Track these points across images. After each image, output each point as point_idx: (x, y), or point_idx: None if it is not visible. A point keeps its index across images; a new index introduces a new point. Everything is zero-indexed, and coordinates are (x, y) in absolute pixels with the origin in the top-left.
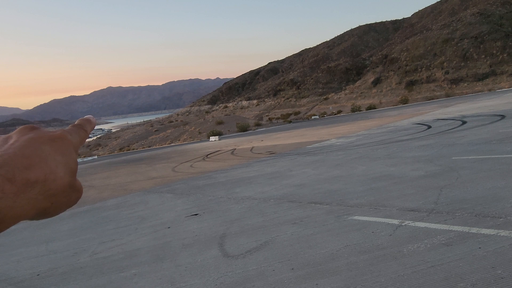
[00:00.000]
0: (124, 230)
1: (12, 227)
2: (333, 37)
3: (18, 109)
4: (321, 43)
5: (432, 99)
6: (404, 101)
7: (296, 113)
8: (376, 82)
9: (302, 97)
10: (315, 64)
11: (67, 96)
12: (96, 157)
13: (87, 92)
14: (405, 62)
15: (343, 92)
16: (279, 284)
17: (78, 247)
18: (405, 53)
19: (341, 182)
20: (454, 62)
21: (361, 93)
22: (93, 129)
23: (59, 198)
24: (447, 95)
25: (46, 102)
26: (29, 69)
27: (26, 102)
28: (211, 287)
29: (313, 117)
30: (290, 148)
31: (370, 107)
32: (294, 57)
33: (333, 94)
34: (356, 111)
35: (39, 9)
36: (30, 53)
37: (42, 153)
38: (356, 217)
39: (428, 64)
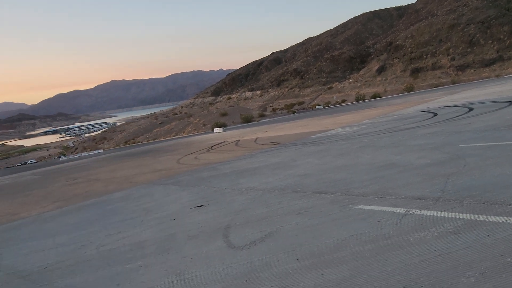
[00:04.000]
0: (130, 222)
1: (19, 221)
2: (337, 25)
3: (23, 104)
4: (324, 32)
5: (438, 86)
6: (409, 89)
7: (300, 103)
8: (381, 70)
9: (306, 87)
10: (318, 53)
11: (71, 90)
12: (101, 150)
13: (91, 86)
14: (410, 49)
15: (347, 81)
16: (284, 275)
17: (84, 240)
18: (410, 40)
19: (346, 172)
20: (460, 48)
21: (366, 81)
22: None
23: None
24: (453, 82)
25: (51, 96)
26: (33, 64)
27: (31, 97)
28: (216, 278)
29: (317, 107)
30: (294, 138)
31: (375, 96)
32: (297, 46)
33: (337, 83)
34: (360, 100)
35: (42, 4)
36: (34, 48)
37: None
38: (361, 207)
39: (434, 50)
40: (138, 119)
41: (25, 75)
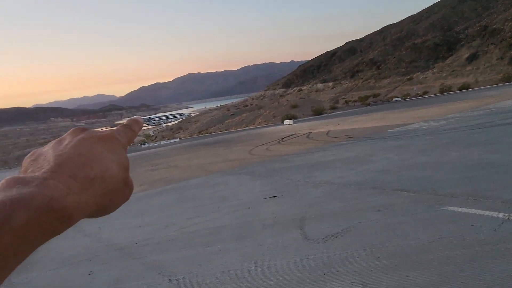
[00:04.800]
0: (207, 208)
1: None
2: (420, 10)
3: (113, 96)
4: (406, 18)
5: None
6: (508, 79)
7: (375, 95)
8: (472, 58)
9: (383, 78)
10: (398, 42)
11: (153, 83)
12: (178, 139)
13: (170, 79)
14: (510, 33)
15: (430, 71)
16: (364, 272)
17: (168, 221)
18: (511, 23)
19: (430, 169)
20: None
21: (453, 71)
22: (141, 129)
23: (115, 194)
24: None
25: (135, 89)
26: (120, 58)
27: (119, 89)
28: (294, 268)
29: (394, 99)
30: (369, 132)
31: (463, 87)
32: (374, 35)
33: (418, 73)
34: (445, 92)
35: (123, 11)
36: (122, 44)
37: (96, 151)
38: (450, 208)
39: None
40: (211, 110)
41: (114, 69)
